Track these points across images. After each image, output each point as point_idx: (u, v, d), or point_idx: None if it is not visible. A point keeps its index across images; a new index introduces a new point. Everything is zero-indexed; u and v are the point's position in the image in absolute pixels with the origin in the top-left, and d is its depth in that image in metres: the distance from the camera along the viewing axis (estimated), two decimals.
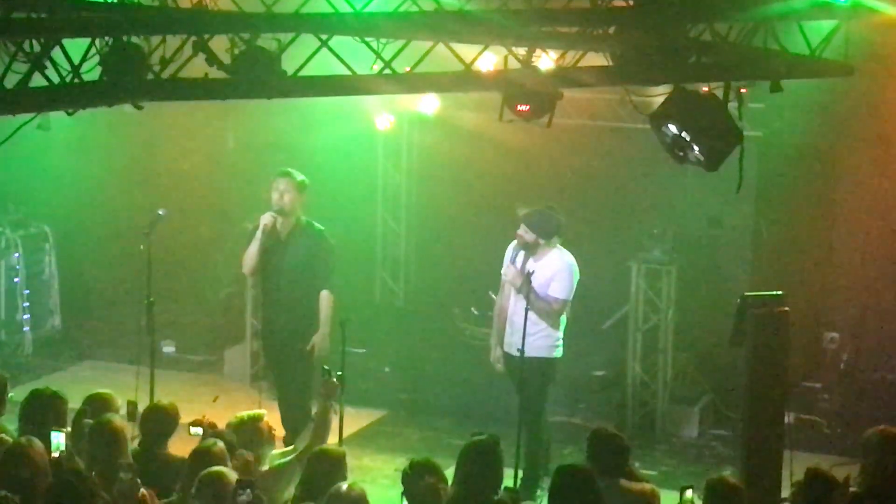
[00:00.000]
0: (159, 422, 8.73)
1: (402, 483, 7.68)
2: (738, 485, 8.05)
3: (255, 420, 8.81)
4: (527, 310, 10.56)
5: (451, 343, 13.97)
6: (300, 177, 11.09)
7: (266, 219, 10.96)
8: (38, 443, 8.00)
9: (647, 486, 8.36)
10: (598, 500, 7.61)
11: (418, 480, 7.54)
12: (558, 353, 11.01)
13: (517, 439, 10.44)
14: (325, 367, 9.68)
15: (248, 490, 7.40)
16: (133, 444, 8.75)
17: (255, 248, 11.02)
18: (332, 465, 8.01)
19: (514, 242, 11.02)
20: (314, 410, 9.57)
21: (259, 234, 10.97)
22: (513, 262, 11.00)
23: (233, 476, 7.57)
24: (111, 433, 8.29)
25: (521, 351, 10.58)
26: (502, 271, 11.10)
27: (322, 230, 11.24)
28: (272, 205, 11.01)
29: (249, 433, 8.69)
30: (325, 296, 11.11)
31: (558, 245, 10.99)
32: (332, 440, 9.59)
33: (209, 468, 7.63)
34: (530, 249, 10.91)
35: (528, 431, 10.72)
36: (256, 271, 11.27)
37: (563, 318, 10.99)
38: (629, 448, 8.55)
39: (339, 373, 9.77)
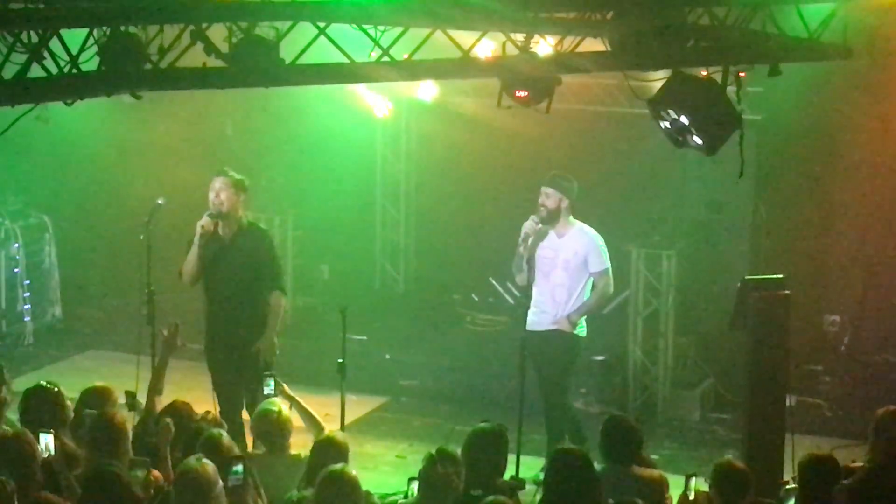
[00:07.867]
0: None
1: (423, 470, 7.66)
2: (745, 468, 8.07)
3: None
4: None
5: (451, 329, 13.99)
6: (237, 176, 10.45)
7: (203, 221, 10.35)
8: (26, 433, 7.91)
9: (657, 473, 8.42)
10: (594, 484, 7.57)
11: (438, 468, 7.56)
12: (582, 331, 11.01)
13: (518, 424, 10.46)
14: (266, 372, 9.52)
15: (241, 465, 7.38)
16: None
17: (194, 255, 10.43)
18: (338, 453, 8.02)
19: (527, 228, 10.80)
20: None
21: (196, 239, 10.40)
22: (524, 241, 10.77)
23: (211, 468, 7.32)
24: (113, 428, 8.21)
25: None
26: (522, 235, 10.79)
27: (265, 230, 10.87)
28: (209, 206, 10.40)
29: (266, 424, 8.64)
30: (275, 297, 10.55)
31: (575, 220, 10.96)
32: (334, 427, 9.59)
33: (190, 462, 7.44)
34: (552, 218, 10.82)
35: (558, 411, 10.79)
36: (197, 279, 10.61)
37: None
38: (642, 436, 8.58)
39: (340, 360, 9.79)
